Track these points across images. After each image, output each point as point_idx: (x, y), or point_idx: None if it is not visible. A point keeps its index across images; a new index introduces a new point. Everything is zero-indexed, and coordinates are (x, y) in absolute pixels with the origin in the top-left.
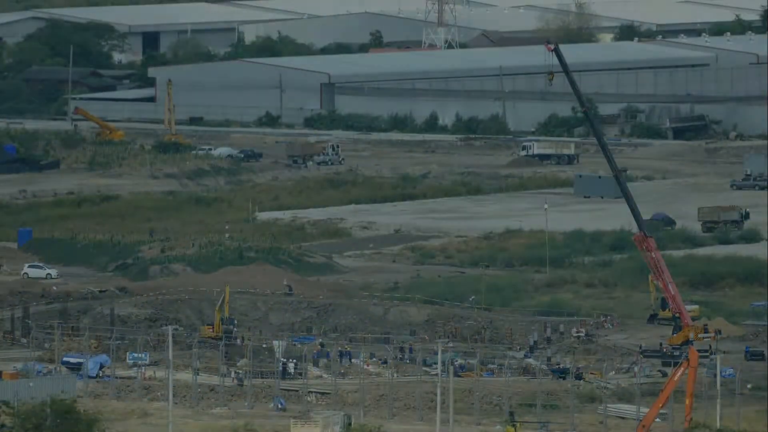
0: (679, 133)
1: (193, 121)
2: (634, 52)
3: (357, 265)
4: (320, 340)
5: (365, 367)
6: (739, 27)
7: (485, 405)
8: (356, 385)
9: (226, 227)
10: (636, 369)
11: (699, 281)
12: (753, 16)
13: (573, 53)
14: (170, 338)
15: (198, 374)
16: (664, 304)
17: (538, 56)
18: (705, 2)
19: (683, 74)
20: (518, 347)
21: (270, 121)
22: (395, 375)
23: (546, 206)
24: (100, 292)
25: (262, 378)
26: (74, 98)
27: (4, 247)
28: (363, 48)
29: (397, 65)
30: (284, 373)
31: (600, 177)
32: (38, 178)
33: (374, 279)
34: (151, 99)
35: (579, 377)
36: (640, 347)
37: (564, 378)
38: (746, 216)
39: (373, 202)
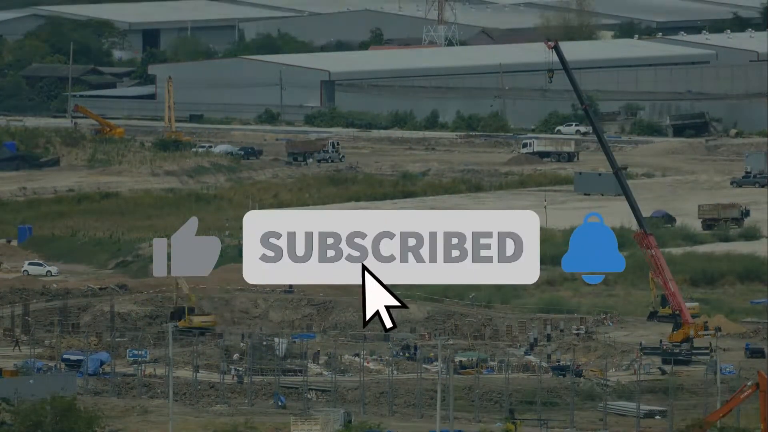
0: (679, 131)
1: (193, 118)
2: (634, 50)
3: None
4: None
5: (365, 364)
6: (739, 24)
7: (485, 402)
8: (356, 382)
9: (226, 224)
10: (636, 366)
11: (699, 279)
12: (753, 14)
13: (573, 50)
14: (170, 335)
15: (198, 371)
16: (664, 302)
17: (538, 54)
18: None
19: (683, 71)
20: (518, 344)
21: (270, 118)
22: (395, 372)
23: (545, 203)
24: (100, 289)
25: (262, 375)
26: (74, 95)
27: (3, 244)
28: (363, 45)
29: (398, 63)
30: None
31: (600, 174)
32: (38, 175)
33: None
34: (152, 96)
35: (579, 374)
36: (641, 344)
37: (564, 375)
38: (746, 213)
39: (373, 199)
